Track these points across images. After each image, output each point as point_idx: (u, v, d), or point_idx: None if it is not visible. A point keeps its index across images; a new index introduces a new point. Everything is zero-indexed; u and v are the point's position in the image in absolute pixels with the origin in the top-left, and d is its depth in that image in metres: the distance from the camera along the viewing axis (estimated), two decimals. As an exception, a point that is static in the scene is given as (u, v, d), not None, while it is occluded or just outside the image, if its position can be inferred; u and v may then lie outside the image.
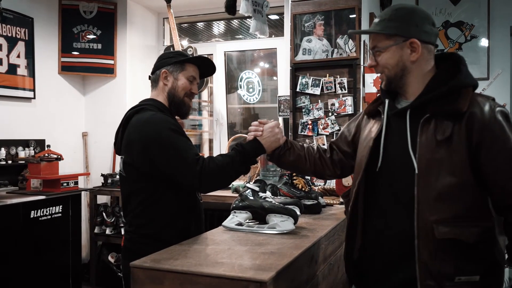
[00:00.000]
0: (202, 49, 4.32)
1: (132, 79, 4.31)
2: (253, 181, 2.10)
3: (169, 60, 1.88)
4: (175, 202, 1.77)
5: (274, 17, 4.43)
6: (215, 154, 4.48)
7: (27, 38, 3.82)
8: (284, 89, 4.02)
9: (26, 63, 3.81)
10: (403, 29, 1.34)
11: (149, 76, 1.92)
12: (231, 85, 4.63)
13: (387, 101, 1.46)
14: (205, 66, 1.95)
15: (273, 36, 4.54)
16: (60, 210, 3.47)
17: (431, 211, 1.28)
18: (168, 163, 1.66)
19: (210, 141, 4.82)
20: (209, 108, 4.89)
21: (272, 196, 2.12)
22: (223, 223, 1.97)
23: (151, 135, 1.68)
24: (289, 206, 2.05)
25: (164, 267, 1.36)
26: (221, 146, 4.51)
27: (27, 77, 3.82)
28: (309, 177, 2.57)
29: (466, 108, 1.27)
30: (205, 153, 4.63)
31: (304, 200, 2.29)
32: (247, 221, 1.96)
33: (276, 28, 4.66)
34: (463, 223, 1.26)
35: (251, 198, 1.94)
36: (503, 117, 1.27)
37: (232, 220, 1.95)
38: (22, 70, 3.77)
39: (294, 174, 2.37)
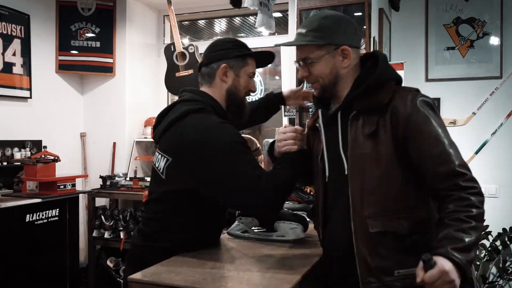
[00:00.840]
0: (203, 47, 4.15)
1: (132, 78, 4.21)
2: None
3: (229, 53, 1.61)
4: (195, 214, 1.54)
5: (277, 14, 4.32)
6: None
7: (23, 36, 3.72)
8: (288, 88, 3.91)
9: (22, 62, 3.71)
10: (333, 37, 1.36)
11: (199, 67, 1.68)
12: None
13: (320, 111, 1.49)
14: (263, 59, 1.73)
15: (276, 34, 4.44)
16: (57, 214, 3.37)
17: (363, 205, 1.31)
18: (230, 184, 1.42)
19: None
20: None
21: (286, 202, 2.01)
22: (228, 230, 1.86)
23: (214, 148, 1.43)
24: (298, 212, 1.93)
25: (165, 282, 1.25)
26: (223, 147, 4.38)
27: (23, 76, 3.72)
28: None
29: (387, 101, 1.31)
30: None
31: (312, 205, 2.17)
32: (253, 228, 1.85)
33: (279, 26, 4.55)
34: (394, 216, 1.28)
35: (258, 204, 1.83)
36: (425, 106, 1.30)
37: (238, 227, 1.84)
38: (18, 69, 3.67)
39: (302, 177, 2.25)
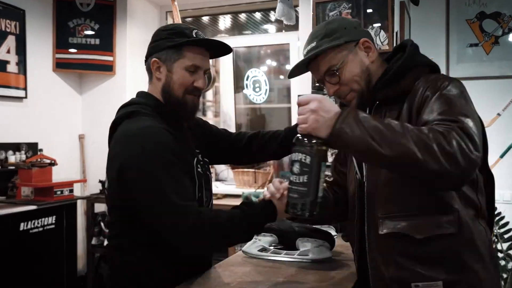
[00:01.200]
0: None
1: (133, 77, 4.04)
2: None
3: (161, 44, 1.39)
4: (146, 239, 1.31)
5: (285, 10, 4.12)
6: (222, 158, 4.21)
7: (18, 32, 3.53)
8: (297, 87, 3.72)
9: (17, 59, 3.53)
10: (348, 34, 1.24)
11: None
12: (237, 84, 4.36)
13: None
14: (214, 46, 1.46)
15: (283, 31, 4.26)
16: (53, 222, 3.18)
17: (378, 204, 1.17)
18: (148, 205, 1.23)
19: (216, 143, 4.53)
20: (214, 108, 4.63)
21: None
22: (243, 248, 1.65)
23: (133, 159, 1.25)
24: (323, 228, 1.73)
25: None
26: (229, 149, 4.19)
27: (18, 75, 3.54)
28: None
29: (411, 87, 1.17)
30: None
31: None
32: (272, 245, 1.64)
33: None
34: (409, 217, 1.12)
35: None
36: (451, 88, 1.11)
37: (254, 244, 1.63)
38: (12, 67, 3.49)
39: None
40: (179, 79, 1.38)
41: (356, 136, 1.00)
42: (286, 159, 3.25)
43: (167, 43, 1.38)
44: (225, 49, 1.48)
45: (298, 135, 1.08)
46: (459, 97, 1.08)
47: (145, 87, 1.49)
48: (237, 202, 3.26)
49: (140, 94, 1.47)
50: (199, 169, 1.41)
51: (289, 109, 4.16)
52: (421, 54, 1.27)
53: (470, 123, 1.00)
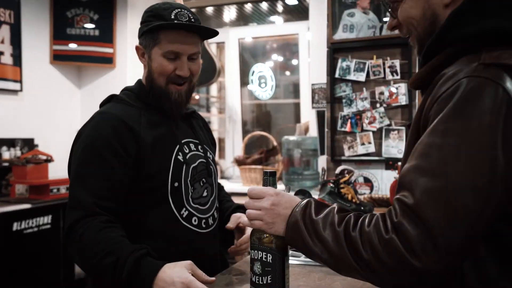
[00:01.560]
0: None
1: (134, 70, 3.88)
2: (288, 189, 1.57)
3: (141, 28, 1.31)
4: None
5: (292, 1, 3.95)
6: (227, 155, 4.05)
7: (13, 22, 3.38)
8: (306, 81, 3.55)
9: (11, 50, 3.38)
10: None
11: None
12: (242, 80, 4.19)
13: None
14: (195, 29, 1.29)
15: (290, 21, 4.08)
16: (49, 221, 3.01)
17: None
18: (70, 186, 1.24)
19: (221, 140, 4.38)
20: (219, 104, 4.46)
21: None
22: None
23: (74, 146, 1.27)
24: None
25: None
26: (235, 146, 4.02)
27: (12, 67, 3.39)
28: (352, 183, 2.05)
29: (440, 71, 0.82)
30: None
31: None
32: (289, 247, 1.45)
33: (296, 12, 4.19)
34: None
35: (295, 215, 1.43)
36: (470, 87, 0.73)
37: (270, 246, 1.43)
38: (6, 58, 3.33)
39: (341, 180, 1.85)
40: (157, 67, 1.27)
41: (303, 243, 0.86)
42: (296, 155, 3.07)
43: (144, 28, 1.27)
44: (209, 31, 1.31)
45: (253, 230, 0.98)
46: (453, 145, 0.72)
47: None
48: (243, 200, 3.11)
49: (137, 81, 1.40)
50: (180, 157, 1.29)
51: (296, 104, 3.99)
52: (480, 16, 0.81)
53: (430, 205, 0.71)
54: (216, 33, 1.32)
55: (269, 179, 0.96)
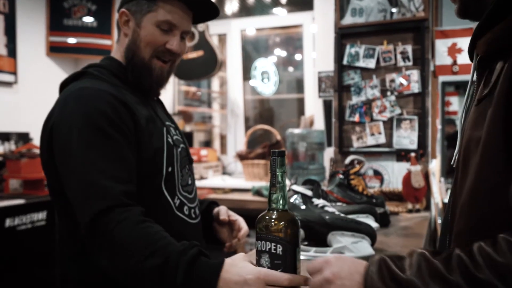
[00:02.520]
0: (213, 27, 3.73)
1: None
2: (295, 180, 1.46)
3: None
4: None
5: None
6: (229, 151, 3.92)
7: (7, 11, 3.30)
8: (311, 72, 3.43)
9: (6, 41, 3.29)
10: None
11: None
12: (245, 75, 4.07)
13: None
14: (197, 4, 1.20)
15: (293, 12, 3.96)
16: (44, 218, 2.90)
17: (455, 215, 0.79)
18: (69, 182, 1.01)
19: (222, 137, 4.27)
20: (221, 100, 4.34)
21: (333, 203, 1.49)
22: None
23: (61, 128, 1.04)
24: (360, 217, 1.41)
25: None
26: (237, 141, 3.89)
27: (7, 58, 3.32)
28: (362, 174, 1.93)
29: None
30: (217, 150, 4.02)
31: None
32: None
33: (299, 4, 4.07)
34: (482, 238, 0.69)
35: (303, 207, 1.32)
36: None
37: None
38: (1, 49, 3.26)
39: (351, 171, 1.72)
40: (147, 36, 1.14)
41: None
42: (301, 149, 2.94)
43: None
44: (210, 10, 1.22)
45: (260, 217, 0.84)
46: None
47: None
48: (246, 196, 3.00)
49: (102, 58, 1.23)
50: (170, 140, 1.17)
51: (300, 100, 3.88)
52: None
53: None
54: (217, 13, 1.23)
55: (277, 160, 0.83)
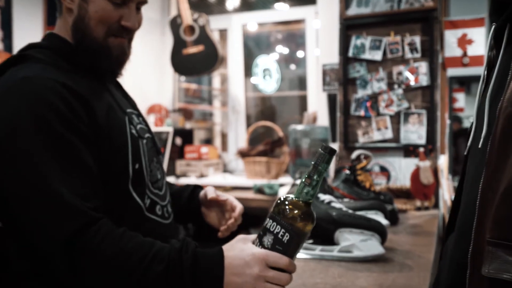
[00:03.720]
0: (214, 22, 3.66)
1: (132, 59, 3.57)
2: (300, 175, 1.38)
3: None
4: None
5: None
6: (230, 148, 3.85)
7: (3, 4, 3.21)
8: (314, 67, 3.35)
9: (1, 35, 3.21)
10: None
11: None
12: (246, 72, 4.00)
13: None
14: None
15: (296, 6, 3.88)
16: None
17: (487, 217, 0.63)
18: (19, 196, 0.83)
19: (223, 135, 4.19)
20: (222, 97, 4.27)
21: (339, 200, 1.41)
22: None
23: (3, 125, 0.85)
24: (369, 213, 1.33)
25: None
26: (238, 138, 3.82)
27: (3, 52, 3.20)
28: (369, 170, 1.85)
29: None
30: (217, 147, 3.94)
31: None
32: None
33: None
34: None
35: (309, 202, 1.23)
36: None
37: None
38: None
39: (358, 166, 1.64)
40: (97, 12, 0.96)
41: None
42: (304, 146, 2.86)
43: None
44: None
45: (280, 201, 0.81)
46: None
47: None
48: (247, 194, 2.91)
49: (45, 36, 1.04)
50: (134, 131, 1.01)
51: (302, 97, 3.81)
52: None
53: None
54: None
55: (325, 156, 0.77)
